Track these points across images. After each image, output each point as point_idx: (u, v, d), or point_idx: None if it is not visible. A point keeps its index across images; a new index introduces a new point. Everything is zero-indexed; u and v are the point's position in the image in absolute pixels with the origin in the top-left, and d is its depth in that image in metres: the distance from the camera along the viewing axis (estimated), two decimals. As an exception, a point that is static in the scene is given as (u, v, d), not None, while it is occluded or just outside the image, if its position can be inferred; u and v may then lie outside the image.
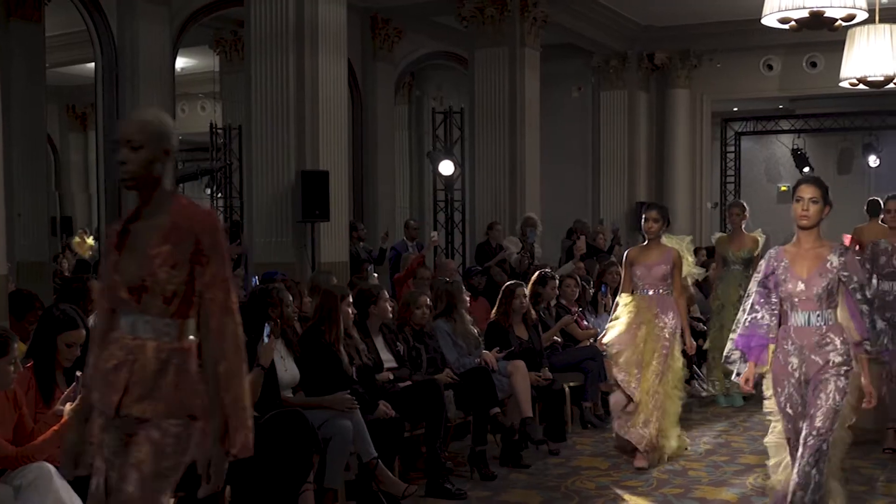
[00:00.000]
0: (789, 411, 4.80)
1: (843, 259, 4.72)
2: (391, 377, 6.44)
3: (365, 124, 14.49)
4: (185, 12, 12.21)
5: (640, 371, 6.85)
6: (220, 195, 14.42)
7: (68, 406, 4.24)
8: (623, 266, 7.22)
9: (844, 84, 10.04)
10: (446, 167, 13.78)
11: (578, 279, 9.07)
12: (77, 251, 15.08)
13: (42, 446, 4.18)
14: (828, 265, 4.72)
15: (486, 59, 12.78)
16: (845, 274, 4.69)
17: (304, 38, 9.25)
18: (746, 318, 4.84)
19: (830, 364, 4.67)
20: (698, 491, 6.22)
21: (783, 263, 4.79)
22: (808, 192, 4.72)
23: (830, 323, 4.73)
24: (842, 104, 18.83)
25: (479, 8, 12.72)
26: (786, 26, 8.13)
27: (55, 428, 4.22)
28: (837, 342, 4.69)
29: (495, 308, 7.81)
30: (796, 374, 4.73)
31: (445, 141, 14.01)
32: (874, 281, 7.19)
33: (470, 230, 13.45)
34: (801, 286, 4.70)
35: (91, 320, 4.80)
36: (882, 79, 9.62)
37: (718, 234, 9.71)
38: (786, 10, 7.88)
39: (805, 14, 7.86)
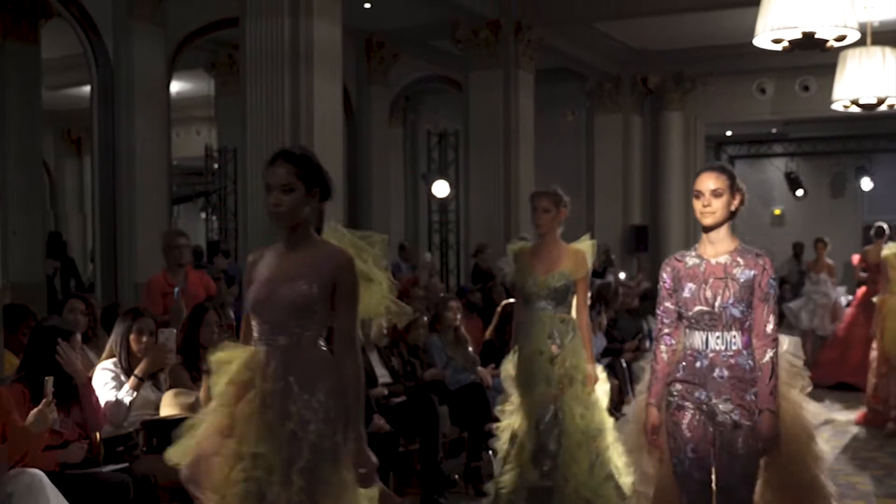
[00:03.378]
0: None
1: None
2: (385, 392, 6.43)
3: (359, 146, 14.52)
4: (180, 34, 12.22)
5: None
6: (214, 217, 14.48)
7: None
8: None
9: (837, 106, 10.05)
10: (441, 189, 13.85)
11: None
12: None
13: (31, 442, 4.14)
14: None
15: (481, 81, 12.83)
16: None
17: (300, 60, 9.26)
18: None
19: None
20: None
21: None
22: None
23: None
24: (834, 128, 18.95)
25: (474, 31, 12.79)
26: (778, 47, 8.16)
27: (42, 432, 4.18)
28: None
29: (492, 327, 7.79)
30: None
31: (440, 163, 14.05)
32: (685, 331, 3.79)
33: (464, 251, 13.46)
34: None
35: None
36: (874, 101, 9.63)
37: (519, 244, 5.81)
38: (777, 29, 7.92)
39: (797, 35, 7.90)
